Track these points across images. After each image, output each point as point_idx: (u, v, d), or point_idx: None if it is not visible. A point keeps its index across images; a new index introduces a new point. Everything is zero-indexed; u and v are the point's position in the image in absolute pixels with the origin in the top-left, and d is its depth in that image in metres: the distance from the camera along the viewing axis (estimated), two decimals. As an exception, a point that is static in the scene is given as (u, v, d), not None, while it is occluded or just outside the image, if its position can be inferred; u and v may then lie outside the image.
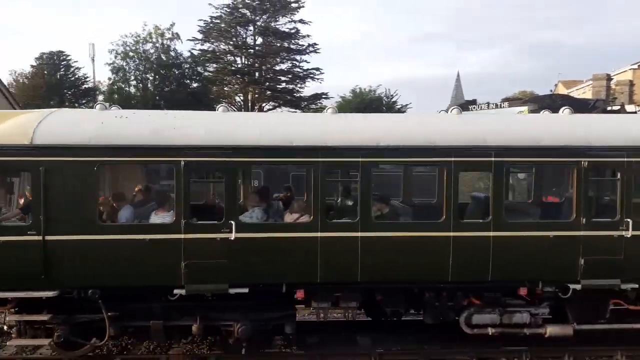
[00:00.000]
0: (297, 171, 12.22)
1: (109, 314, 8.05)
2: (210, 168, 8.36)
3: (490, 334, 8.68)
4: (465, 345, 8.96)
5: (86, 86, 41.47)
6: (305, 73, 45.82)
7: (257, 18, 44.13)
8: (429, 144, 8.25)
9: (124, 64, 40.45)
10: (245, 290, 8.05)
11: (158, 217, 8.15)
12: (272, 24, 44.41)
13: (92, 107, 8.79)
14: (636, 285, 8.46)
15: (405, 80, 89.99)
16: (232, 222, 7.89)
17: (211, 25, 44.17)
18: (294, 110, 43.69)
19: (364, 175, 8.15)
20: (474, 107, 31.53)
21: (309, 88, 55.25)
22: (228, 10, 43.71)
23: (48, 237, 7.57)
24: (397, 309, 8.99)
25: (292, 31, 44.71)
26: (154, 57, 40.90)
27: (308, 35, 44.99)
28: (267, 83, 45.13)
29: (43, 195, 7.52)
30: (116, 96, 39.65)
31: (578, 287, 8.31)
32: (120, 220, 8.28)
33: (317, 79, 46.39)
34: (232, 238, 7.88)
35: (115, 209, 8.55)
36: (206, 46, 44.86)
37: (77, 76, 41.03)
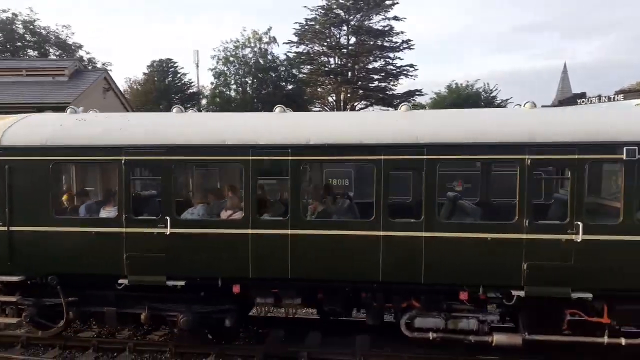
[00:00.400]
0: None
1: (68, 299, 8.89)
2: (148, 166, 8.81)
3: (430, 338, 8.12)
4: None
5: (191, 91, 44.85)
6: (398, 70, 45.26)
7: (351, 17, 44.45)
8: (357, 142, 7.93)
9: (225, 68, 43.27)
10: (182, 283, 8.40)
11: (105, 212, 8.83)
12: (366, 23, 44.41)
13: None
14: (590, 295, 7.45)
15: (507, 74, 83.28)
16: (168, 217, 8.28)
17: (306, 27, 45.39)
18: (385, 108, 43.24)
19: (293, 173, 8.06)
20: (583, 101, 28.63)
21: (402, 85, 54.19)
22: (322, 11, 44.59)
23: (12, 228, 8.60)
24: (335, 307, 8.73)
25: (386, 29, 44.33)
26: (252, 61, 43.18)
27: (402, 32, 44.35)
28: (360, 82, 45.27)
29: (7, 191, 8.55)
30: (218, 100, 42.73)
31: (521, 293, 7.54)
32: (80, 214, 9.10)
33: (411, 75, 45.62)
34: (168, 233, 8.28)
35: (77, 203, 9.40)
36: (301, 48, 46.25)
37: (183, 82, 44.61)
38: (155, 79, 42.79)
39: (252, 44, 43.29)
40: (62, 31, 43.38)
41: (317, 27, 45.13)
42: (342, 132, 8.20)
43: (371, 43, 44.51)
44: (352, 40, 45.43)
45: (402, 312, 8.39)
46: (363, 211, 8.65)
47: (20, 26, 41.39)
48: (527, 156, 7.46)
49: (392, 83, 45.89)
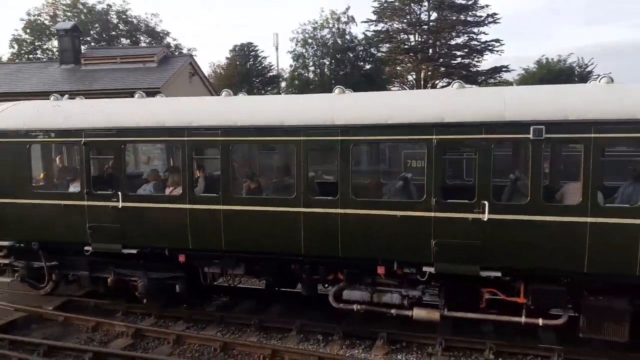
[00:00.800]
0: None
1: (49, 263, 10.19)
2: (103, 146, 9.75)
3: (355, 309, 8.49)
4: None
5: (271, 74, 45.79)
6: (482, 46, 43.04)
7: (432, -8, 42.69)
8: (279, 124, 8.33)
9: (304, 50, 43.18)
10: (134, 251, 9.36)
11: (72, 187, 9.93)
12: (448, -3, 42.45)
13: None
14: (499, 274, 7.39)
15: (607, 46, 75.12)
16: (120, 192, 9.22)
17: (385, 4, 44.42)
18: (469, 85, 41.43)
19: (224, 153, 8.64)
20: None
21: (486, 62, 51.62)
22: (402, -12, 43.20)
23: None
24: (268, 278, 9.29)
25: (469, 2, 42.18)
26: (330, 42, 42.73)
27: (486, 5, 42.08)
28: (441, 59, 43.63)
29: (-5, 168, 9.93)
30: (296, 82, 42.90)
31: (432, 270, 7.70)
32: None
33: (497, 51, 43.20)
34: (120, 207, 9.23)
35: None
36: (380, 27, 45.37)
37: (263, 65, 45.58)
38: (237, 63, 44.00)
39: (330, 25, 42.74)
40: (151, 19, 46.34)
41: (396, 4, 43.97)
42: (266, 115, 8.61)
43: (453, 18, 42.49)
44: (433, 15, 43.72)
45: (333, 284, 8.79)
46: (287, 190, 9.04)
47: (114, 16, 44.62)
48: (434, 137, 7.47)
49: (476, 59, 43.76)
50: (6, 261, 10.51)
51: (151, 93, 17.05)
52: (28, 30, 42.60)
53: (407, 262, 7.98)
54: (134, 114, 9.39)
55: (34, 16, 43.00)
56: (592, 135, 6.88)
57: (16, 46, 42.67)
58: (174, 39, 47.77)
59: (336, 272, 8.69)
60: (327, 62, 43.32)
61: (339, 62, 42.57)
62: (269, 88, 45.73)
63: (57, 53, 33.55)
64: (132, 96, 10.32)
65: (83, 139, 9.34)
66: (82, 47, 30.71)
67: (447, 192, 7.77)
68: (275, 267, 9.05)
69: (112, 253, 9.57)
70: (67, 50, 27.25)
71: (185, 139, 8.79)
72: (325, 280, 8.88)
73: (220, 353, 8.41)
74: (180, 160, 8.95)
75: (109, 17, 44.49)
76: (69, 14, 42.98)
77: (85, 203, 9.47)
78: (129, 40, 44.67)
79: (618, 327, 7.22)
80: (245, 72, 44.73)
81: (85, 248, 9.64)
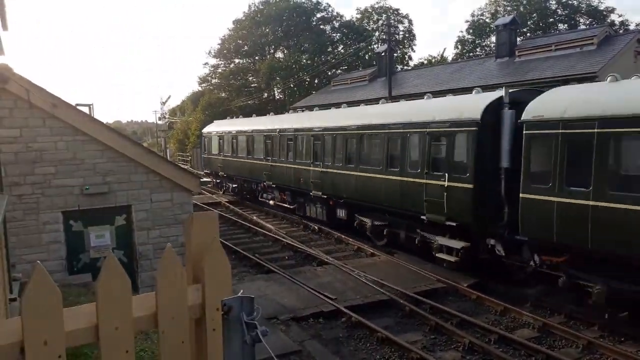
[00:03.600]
0: None
1: None
2: None
3: None
4: None
5: None
6: None
7: None
8: None
9: None
10: None
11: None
12: None
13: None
14: None
15: None
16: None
17: None
18: None
19: None
20: None
21: None
22: None
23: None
24: None
25: None
26: None
27: None
28: None
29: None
30: None
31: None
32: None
33: None
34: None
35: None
36: None
37: None
38: None
39: None
40: (595, -1, 43.49)
41: None
42: None
43: None
44: None
45: None
46: None
47: (553, 2, 44.17)
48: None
49: None
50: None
51: (586, 79, 15.69)
52: (471, 31, 46.48)
53: None
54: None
55: (477, 17, 46.60)
56: None
57: (460, 46, 47.29)
58: (620, 15, 43.04)
59: None
60: None
61: None
62: None
63: (494, 48, 35.32)
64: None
65: None
66: (518, 40, 31.17)
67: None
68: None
69: None
70: (503, 44, 28.29)
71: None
72: None
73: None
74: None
75: (547, 3, 43.71)
76: (508, 8, 44.52)
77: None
78: (566, 25, 42.70)
79: None
80: None
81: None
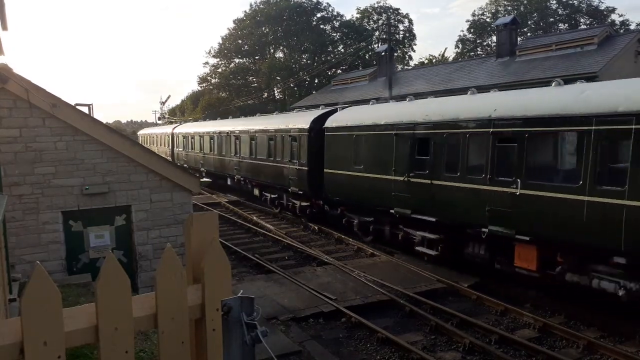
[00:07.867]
0: None
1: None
2: None
3: None
4: None
5: None
6: None
7: None
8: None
9: None
10: None
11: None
12: None
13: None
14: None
15: None
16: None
17: None
18: None
19: None
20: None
21: None
22: None
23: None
24: None
25: None
26: None
27: None
28: None
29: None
30: None
31: None
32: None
33: None
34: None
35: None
36: None
37: None
38: None
39: None
40: (593, -1, 43.42)
41: None
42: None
43: None
44: None
45: None
46: None
47: (554, 1, 44.19)
48: None
49: None
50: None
51: (588, 78, 15.52)
52: (472, 30, 46.51)
53: None
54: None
55: (478, 16, 46.64)
56: None
57: (460, 46, 47.32)
58: (620, 15, 43.10)
59: None
60: None
61: None
62: None
63: (494, 48, 35.37)
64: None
65: None
66: (519, 39, 31.18)
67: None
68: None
69: None
70: (503, 44, 28.30)
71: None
72: None
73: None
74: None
75: (548, 3, 43.73)
76: (509, 7, 44.55)
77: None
78: (566, 25, 42.73)
79: None
80: None
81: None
